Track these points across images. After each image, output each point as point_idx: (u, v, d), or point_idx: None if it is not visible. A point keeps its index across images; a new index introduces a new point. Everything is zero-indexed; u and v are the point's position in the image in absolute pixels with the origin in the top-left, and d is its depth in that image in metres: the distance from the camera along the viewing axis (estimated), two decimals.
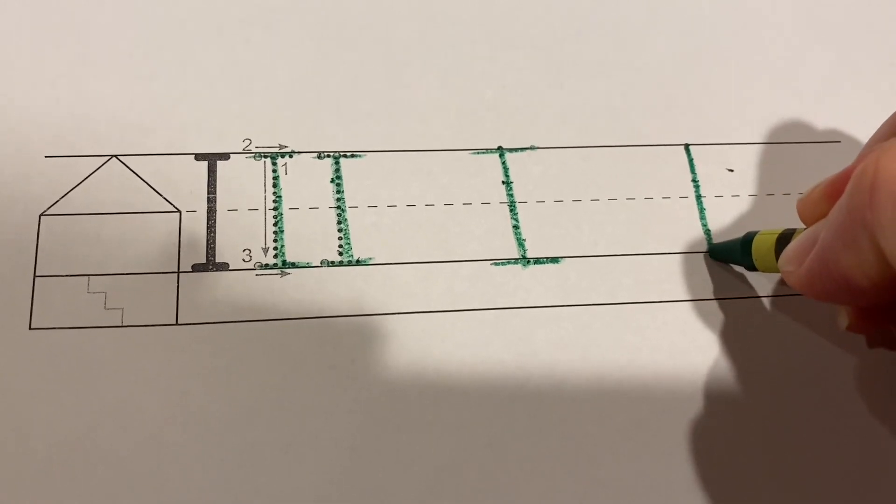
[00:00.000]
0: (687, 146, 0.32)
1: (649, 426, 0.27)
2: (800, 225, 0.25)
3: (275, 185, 0.29)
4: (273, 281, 0.28)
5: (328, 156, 0.30)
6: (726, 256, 0.29)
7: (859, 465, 0.28)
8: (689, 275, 0.30)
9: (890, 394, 0.28)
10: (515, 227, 0.30)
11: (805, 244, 0.23)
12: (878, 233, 0.20)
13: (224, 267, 0.28)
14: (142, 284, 0.27)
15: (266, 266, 0.28)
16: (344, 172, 0.30)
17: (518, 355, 0.28)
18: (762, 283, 0.30)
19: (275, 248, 0.28)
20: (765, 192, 0.31)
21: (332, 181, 0.30)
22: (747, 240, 0.28)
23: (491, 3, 0.33)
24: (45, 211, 0.28)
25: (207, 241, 0.28)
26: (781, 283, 0.30)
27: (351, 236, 0.29)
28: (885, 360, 0.29)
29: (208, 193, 0.29)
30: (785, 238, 0.25)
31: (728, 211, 0.31)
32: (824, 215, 0.23)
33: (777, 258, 0.25)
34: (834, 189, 0.24)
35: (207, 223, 0.28)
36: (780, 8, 0.35)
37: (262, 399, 0.26)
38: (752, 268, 0.28)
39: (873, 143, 0.25)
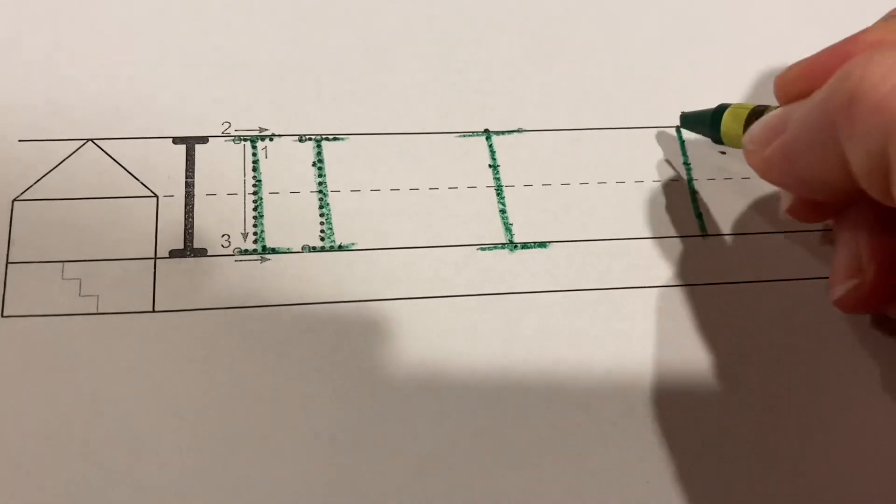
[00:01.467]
0: (678, 128, 0.31)
1: (638, 415, 0.27)
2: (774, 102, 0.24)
3: (254, 169, 0.28)
4: (253, 267, 0.27)
5: (310, 139, 0.29)
6: (696, 126, 0.29)
7: (852, 455, 0.27)
8: (681, 260, 0.29)
9: (884, 385, 0.28)
10: (502, 211, 0.29)
11: (772, 126, 0.23)
12: (846, 143, 0.19)
13: (202, 253, 0.27)
14: (118, 271, 0.27)
15: (245, 252, 0.27)
16: (326, 156, 0.29)
17: (504, 342, 0.27)
18: (754, 269, 0.29)
19: (254, 234, 0.28)
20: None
21: (314, 165, 0.29)
22: (719, 110, 0.27)
23: None
24: (18, 196, 0.27)
25: (185, 226, 0.27)
26: (775, 266, 0.29)
27: (333, 221, 0.28)
28: (878, 350, 0.28)
29: (186, 178, 0.28)
30: (756, 114, 0.25)
31: (720, 194, 0.30)
32: (799, 96, 0.22)
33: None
34: (811, 70, 0.23)
35: (185, 208, 0.28)
36: None
37: (242, 388, 0.26)
38: (718, 140, 0.27)
39: (874, 25, 0.24)
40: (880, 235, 0.23)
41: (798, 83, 0.23)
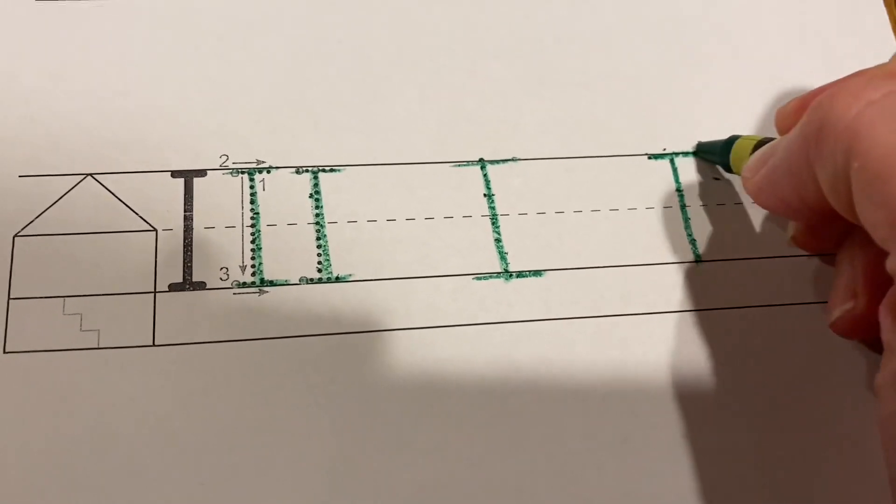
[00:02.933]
0: (671, 155, 0.31)
1: (635, 442, 0.27)
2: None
3: (252, 202, 0.29)
4: (251, 300, 0.27)
5: (306, 171, 0.30)
6: (709, 156, 0.31)
7: (848, 477, 0.27)
8: (675, 286, 0.29)
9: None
10: (497, 240, 0.29)
11: (764, 156, 0.25)
12: (816, 165, 0.21)
13: (201, 286, 0.27)
14: (118, 305, 0.27)
15: (244, 284, 0.28)
16: (323, 187, 0.29)
17: (501, 371, 0.27)
18: (749, 294, 0.29)
19: (253, 266, 0.28)
20: (751, 201, 0.31)
21: (311, 196, 0.29)
22: (730, 141, 0.29)
23: (470, 13, 0.33)
24: (19, 232, 0.28)
25: (184, 259, 0.28)
26: (771, 292, 0.29)
27: (330, 252, 0.28)
28: (873, 370, 0.29)
29: (185, 211, 0.28)
30: (761, 145, 0.26)
31: (714, 220, 0.30)
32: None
33: None
34: (805, 104, 0.25)
35: (184, 241, 0.28)
36: (763, 15, 0.34)
37: (241, 421, 0.26)
38: (729, 169, 0.29)
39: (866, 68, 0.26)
40: (874, 262, 0.24)
41: (793, 116, 0.25)
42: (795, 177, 0.23)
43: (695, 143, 0.31)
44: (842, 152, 0.20)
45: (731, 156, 0.29)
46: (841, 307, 0.26)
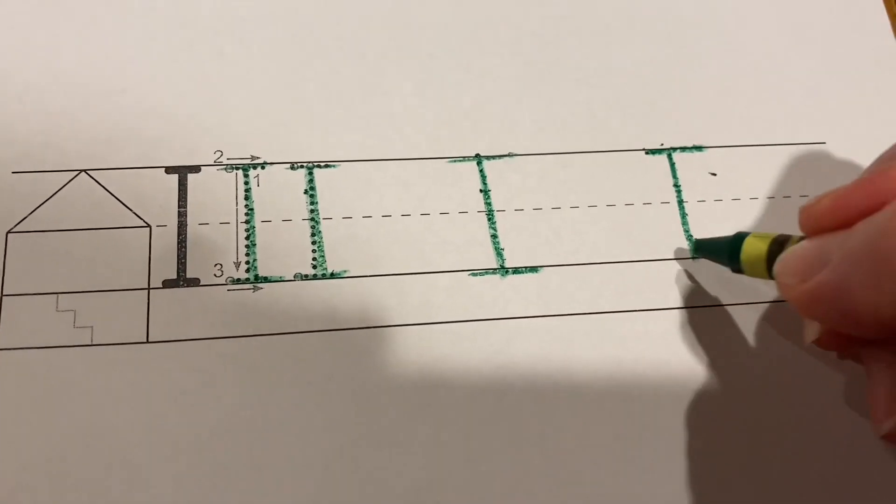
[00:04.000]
0: (668, 151, 0.31)
1: (632, 440, 0.27)
2: (794, 231, 0.24)
3: (247, 198, 0.29)
4: (245, 296, 0.27)
5: (301, 166, 0.29)
6: (712, 254, 0.28)
7: (844, 473, 0.27)
8: (672, 282, 0.29)
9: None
10: (494, 236, 0.29)
11: (811, 260, 0.22)
12: None
13: (195, 282, 0.27)
14: (111, 302, 0.27)
15: (238, 281, 0.27)
16: (318, 183, 0.29)
17: (497, 368, 0.27)
18: (745, 290, 0.29)
19: (247, 263, 0.28)
20: (748, 196, 0.31)
21: (306, 192, 0.29)
22: (737, 240, 0.26)
23: (466, 9, 0.33)
24: (12, 228, 0.27)
25: (178, 256, 0.28)
26: (768, 287, 0.29)
27: (325, 249, 0.28)
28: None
29: (179, 207, 0.28)
30: (778, 244, 0.24)
31: (711, 216, 0.30)
32: (828, 229, 0.22)
33: (768, 264, 0.24)
34: (843, 204, 0.22)
35: (178, 238, 0.28)
36: (761, 9, 0.34)
37: (235, 418, 0.26)
38: (738, 270, 0.27)
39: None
40: None
41: (828, 217, 0.22)
42: (871, 292, 0.20)
43: (693, 139, 0.31)
44: None
45: (743, 257, 0.26)
46: (891, 419, 0.23)
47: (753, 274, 0.26)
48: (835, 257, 0.21)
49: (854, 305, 0.21)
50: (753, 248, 0.25)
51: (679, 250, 0.30)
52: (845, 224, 0.22)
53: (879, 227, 0.20)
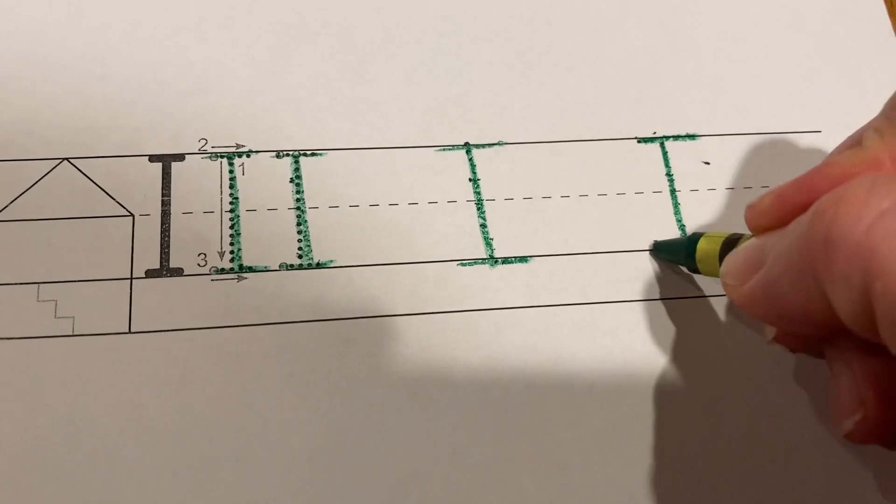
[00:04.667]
0: (661, 139, 0.31)
1: (621, 431, 0.26)
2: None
3: (231, 187, 0.28)
4: (229, 286, 0.27)
5: (287, 155, 0.29)
6: (670, 256, 0.28)
7: (835, 466, 0.27)
8: (664, 273, 0.29)
9: None
10: (483, 225, 0.29)
11: (749, 260, 0.22)
12: (827, 286, 0.18)
13: (178, 272, 0.27)
14: (94, 292, 0.26)
15: (222, 271, 0.27)
16: (304, 172, 0.29)
17: (486, 359, 0.27)
18: None
19: (231, 252, 0.27)
20: (742, 185, 0.30)
21: (292, 181, 0.29)
22: (692, 241, 0.26)
23: None
24: None
25: (161, 245, 0.27)
26: None
27: (311, 238, 0.28)
28: None
29: (162, 196, 0.28)
30: (730, 244, 0.24)
31: (704, 205, 0.30)
32: (770, 227, 0.22)
33: (721, 265, 0.24)
34: (784, 201, 0.22)
35: (161, 227, 0.27)
36: None
37: (219, 409, 0.25)
38: (695, 270, 0.26)
39: (838, 154, 0.22)
40: (874, 365, 0.22)
41: (768, 215, 0.22)
42: (800, 293, 0.20)
43: (686, 127, 0.31)
44: (858, 272, 0.17)
45: (698, 256, 0.26)
46: (851, 418, 0.22)
47: (708, 273, 0.26)
48: (769, 258, 0.21)
49: (786, 306, 0.20)
50: (707, 249, 0.25)
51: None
52: (784, 223, 0.21)
53: (803, 227, 0.19)
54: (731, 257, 0.23)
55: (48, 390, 0.25)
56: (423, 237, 0.28)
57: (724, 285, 0.23)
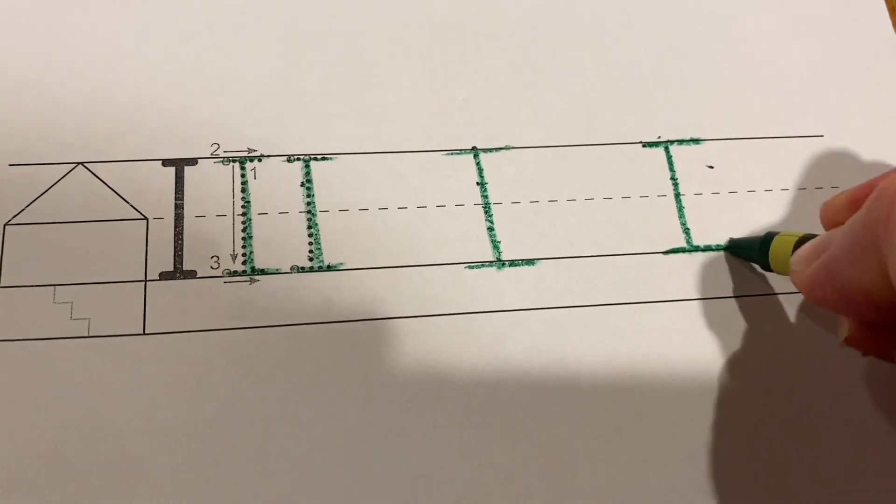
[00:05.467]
0: (665, 143, 0.31)
1: (627, 432, 0.27)
2: (789, 226, 0.25)
3: (243, 190, 0.29)
4: (242, 288, 0.27)
5: (298, 159, 0.29)
6: (744, 253, 0.29)
7: (842, 468, 0.27)
8: (668, 275, 0.29)
9: (872, 394, 0.28)
10: (490, 228, 0.29)
11: (818, 247, 0.23)
12: (886, 250, 0.20)
13: (192, 275, 0.27)
14: (109, 294, 0.27)
15: (235, 273, 0.28)
16: (314, 176, 0.29)
17: (493, 360, 0.27)
18: (742, 283, 0.29)
19: (243, 255, 0.28)
20: (746, 189, 0.31)
21: (303, 185, 0.29)
22: (766, 239, 0.27)
23: (463, 1, 0.33)
24: (9, 220, 0.28)
25: (175, 248, 0.28)
26: (765, 282, 0.29)
27: (322, 241, 0.28)
28: (870, 362, 0.28)
29: (176, 200, 0.28)
30: (803, 241, 0.25)
31: (708, 209, 0.30)
32: (843, 223, 0.23)
33: None
34: (857, 198, 0.24)
35: (175, 230, 0.28)
36: (759, 1, 0.34)
37: (232, 410, 0.26)
38: (767, 267, 0.27)
39: None
40: None
41: (843, 212, 0.24)
42: (858, 266, 0.21)
43: (690, 131, 0.31)
44: None
45: (771, 254, 0.27)
46: None
47: (780, 271, 0.27)
48: (834, 241, 0.22)
49: (843, 283, 0.22)
50: (780, 247, 0.26)
51: (675, 243, 0.29)
52: None
53: (868, 203, 0.21)
54: (803, 247, 0.24)
55: (64, 391, 0.26)
56: (431, 240, 0.29)
57: (792, 273, 0.24)
